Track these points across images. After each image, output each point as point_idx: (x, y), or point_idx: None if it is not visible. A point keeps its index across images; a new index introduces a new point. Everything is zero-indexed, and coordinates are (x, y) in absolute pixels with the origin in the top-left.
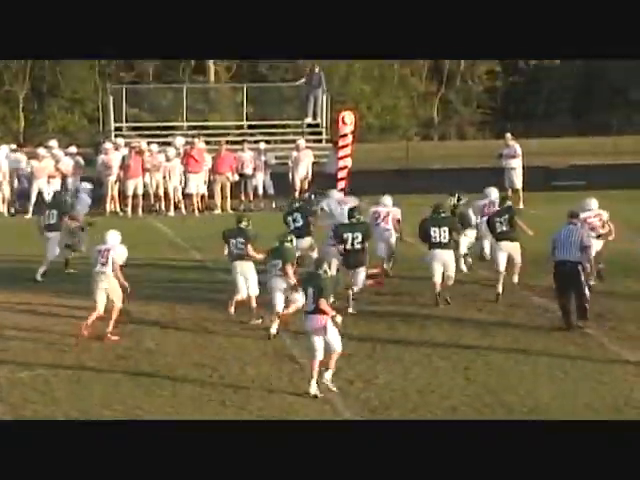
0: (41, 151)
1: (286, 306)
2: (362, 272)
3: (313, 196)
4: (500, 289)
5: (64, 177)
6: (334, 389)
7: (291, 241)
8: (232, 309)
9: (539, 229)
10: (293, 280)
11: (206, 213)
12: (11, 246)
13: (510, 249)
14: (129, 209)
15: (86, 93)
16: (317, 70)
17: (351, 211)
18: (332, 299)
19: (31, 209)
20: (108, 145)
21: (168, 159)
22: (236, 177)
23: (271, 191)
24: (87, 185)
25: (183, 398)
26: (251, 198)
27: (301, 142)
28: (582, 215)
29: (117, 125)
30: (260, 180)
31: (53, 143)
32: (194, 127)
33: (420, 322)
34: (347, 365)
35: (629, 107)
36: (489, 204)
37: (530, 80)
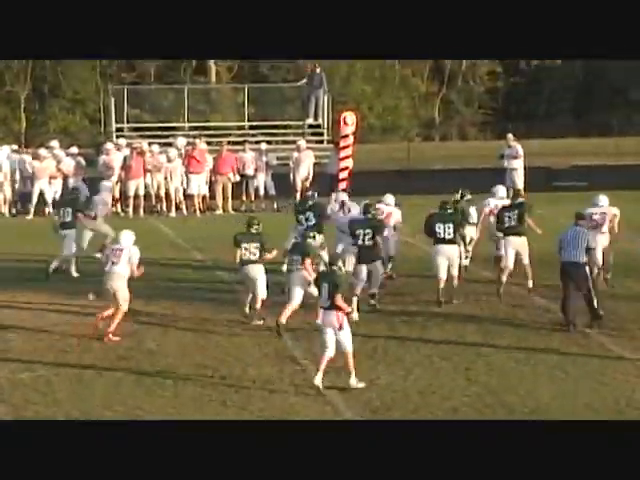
0: (42, 152)
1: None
2: (377, 267)
3: (317, 194)
4: (504, 279)
5: (65, 178)
6: (361, 385)
7: (314, 237)
8: (247, 308)
9: (541, 229)
10: (313, 275)
11: (207, 214)
12: (12, 246)
13: (518, 245)
14: (130, 210)
15: (87, 94)
16: (318, 71)
17: (366, 207)
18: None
19: (32, 210)
20: (109, 146)
21: (169, 160)
22: (237, 178)
23: (272, 192)
24: (107, 183)
25: (184, 398)
26: (252, 199)
27: (302, 143)
28: (589, 210)
29: (118, 126)
30: (261, 181)
31: (54, 144)
32: (195, 128)
33: (421, 323)
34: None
35: (629, 107)
36: (495, 207)
37: (531, 81)
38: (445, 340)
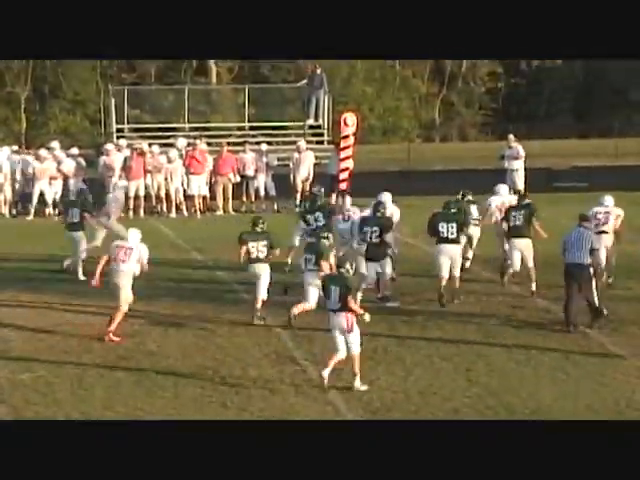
0: (43, 152)
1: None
2: (385, 265)
3: (322, 189)
4: (506, 279)
5: (66, 179)
6: (364, 388)
7: (327, 237)
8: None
9: (546, 233)
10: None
11: (208, 214)
12: (12, 247)
13: (522, 247)
14: (130, 211)
15: (88, 94)
16: (319, 71)
17: (377, 205)
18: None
19: (32, 211)
20: (110, 146)
21: (170, 160)
22: (238, 178)
23: (273, 192)
24: (123, 183)
25: (185, 399)
26: (253, 199)
27: (302, 144)
28: (594, 209)
29: (119, 126)
30: (262, 181)
31: (55, 144)
32: (196, 128)
33: (421, 323)
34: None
35: (630, 108)
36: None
37: (532, 82)
38: (445, 340)
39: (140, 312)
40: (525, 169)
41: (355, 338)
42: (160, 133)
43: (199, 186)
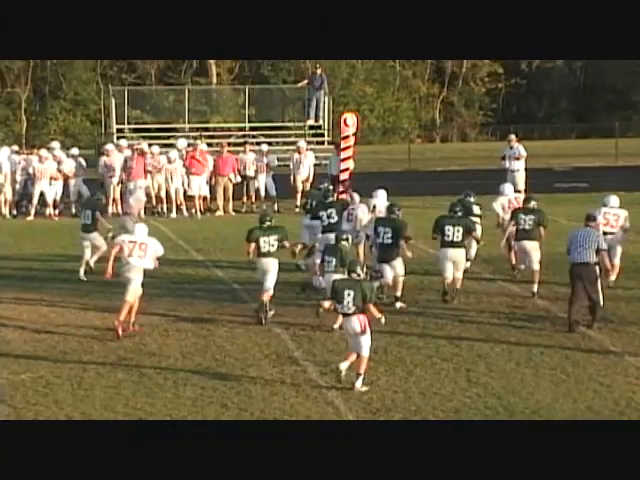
0: (43, 153)
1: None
2: (395, 266)
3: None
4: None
5: (66, 179)
6: (364, 389)
7: (347, 239)
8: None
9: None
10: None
11: (208, 215)
12: (13, 247)
13: (530, 249)
14: None
15: (88, 95)
16: (319, 72)
17: (391, 206)
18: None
19: (33, 211)
20: (110, 147)
21: (170, 161)
22: (238, 179)
23: (273, 193)
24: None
25: (185, 399)
26: (253, 200)
27: (302, 144)
28: (602, 209)
29: (119, 127)
30: (262, 182)
31: (55, 145)
32: (196, 129)
33: (421, 323)
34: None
35: (630, 109)
36: (508, 202)
37: (532, 82)
38: (446, 341)
39: (140, 313)
40: (526, 169)
41: (367, 340)
42: (160, 133)
43: (199, 186)
